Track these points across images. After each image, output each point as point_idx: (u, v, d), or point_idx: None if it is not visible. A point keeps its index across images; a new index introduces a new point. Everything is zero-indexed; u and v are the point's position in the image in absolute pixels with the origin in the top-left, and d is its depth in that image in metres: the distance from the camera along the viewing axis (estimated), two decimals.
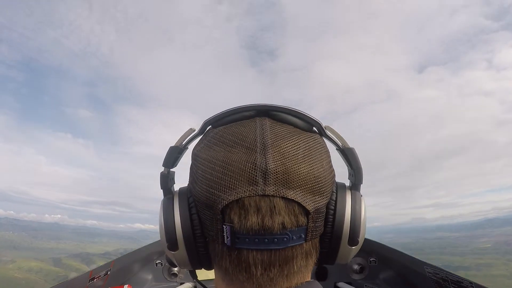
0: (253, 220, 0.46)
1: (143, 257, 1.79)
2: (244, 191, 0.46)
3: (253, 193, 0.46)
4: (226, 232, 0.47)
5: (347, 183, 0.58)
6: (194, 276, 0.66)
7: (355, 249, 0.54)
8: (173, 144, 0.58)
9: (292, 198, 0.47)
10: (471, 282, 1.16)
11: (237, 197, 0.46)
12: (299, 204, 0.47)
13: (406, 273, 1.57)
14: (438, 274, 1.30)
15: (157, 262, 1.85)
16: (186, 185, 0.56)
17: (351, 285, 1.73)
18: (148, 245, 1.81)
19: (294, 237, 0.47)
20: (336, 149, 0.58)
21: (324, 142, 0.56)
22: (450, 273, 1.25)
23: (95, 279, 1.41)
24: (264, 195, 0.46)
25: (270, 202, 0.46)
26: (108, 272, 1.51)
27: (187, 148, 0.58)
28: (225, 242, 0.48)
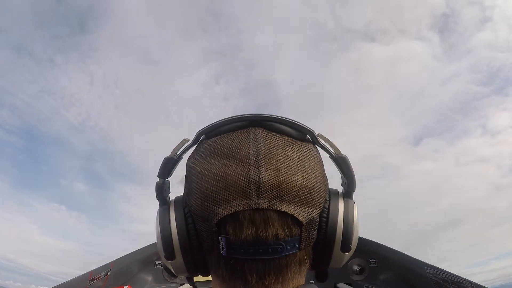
0: (247, 232, 0.47)
1: (143, 258, 1.79)
2: (238, 204, 0.47)
3: (247, 207, 0.47)
4: (222, 243, 0.48)
5: (340, 189, 0.59)
6: (191, 282, 0.67)
7: (348, 254, 0.55)
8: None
9: (285, 210, 0.47)
10: (471, 283, 1.16)
11: (231, 210, 0.47)
12: (292, 216, 0.48)
13: (406, 274, 1.57)
14: (439, 274, 1.30)
15: (157, 263, 1.85)
16: (182, 194, 0.57)
17: (351, 286, 1.73)
18: (148, 245, 1.81)
19: (288, 247, 0.48)
20: (329, 157, 0.58)
21: (317, 151, 0.57)
22: (451, 273, 1.25)
23: (95, 280, 1.41)
24: (257, 209, 0.47)
25: (263, 215, 0.47)
26: (108, 273, 1.52)
27: (182, 158, 0.58)
28: (221, 252, 0.48)
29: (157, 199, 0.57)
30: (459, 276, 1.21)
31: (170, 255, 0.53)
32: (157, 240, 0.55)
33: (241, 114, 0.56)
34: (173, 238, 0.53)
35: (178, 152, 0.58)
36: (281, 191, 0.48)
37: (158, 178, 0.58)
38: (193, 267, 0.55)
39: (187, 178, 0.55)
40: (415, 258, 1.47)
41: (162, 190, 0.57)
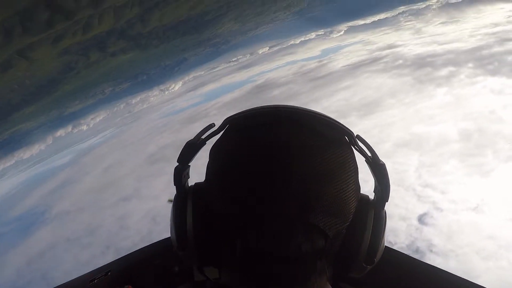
0: (268, 240, 0.44)
1: (143, 258, 1.79)
2: (262, 210, 0.44)
3: (272, 214, 0.44)
4: (239, 246, 0.46)
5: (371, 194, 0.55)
6: (191, 277, 0.65)
7: (370, 266, 0.53)
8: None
9: (312, 222, 0.44)
10: (471, 283, 1.16)
11: (253, 216, 0.44)
12: (318, 228, 0.45)
13: (407, 273, 1.57)
14: (439, 274, 1.30)
15: (158, 263, 1.85)
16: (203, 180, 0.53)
17: (351, 285, 1.74)
18: (149, 245, 1.81)
19: (309, 259, 0.46)
20: (366, 161, 0.54)
21: (354, 156, 0.52)
22: (451, 274, 1.25)
23: (95, 280, 1.40)
24: (283, 217, 0.44)
25: (288, 224, 0.44)
26: (109, 273, 1.51)
27: (205, 143, 0.54)
28: (237, 254, 0.46)
29: (174, 185, 0.53)
30: (460, 277, 1.21)
31: (182, 247, 0.50)
32: (170, 229, 0.52)
33: (274, 104, 0.50)
34: (188, 231, 0.50)
35: (202, 137, 0.53)
36: (310, 201, 0.44)
37: (178, 163, 0.53)
38: (204, 261, 0.52)
39: (209, 169, 0.51)
40: (415, 258, 1.47)
41: (180, 176, 0.53)
